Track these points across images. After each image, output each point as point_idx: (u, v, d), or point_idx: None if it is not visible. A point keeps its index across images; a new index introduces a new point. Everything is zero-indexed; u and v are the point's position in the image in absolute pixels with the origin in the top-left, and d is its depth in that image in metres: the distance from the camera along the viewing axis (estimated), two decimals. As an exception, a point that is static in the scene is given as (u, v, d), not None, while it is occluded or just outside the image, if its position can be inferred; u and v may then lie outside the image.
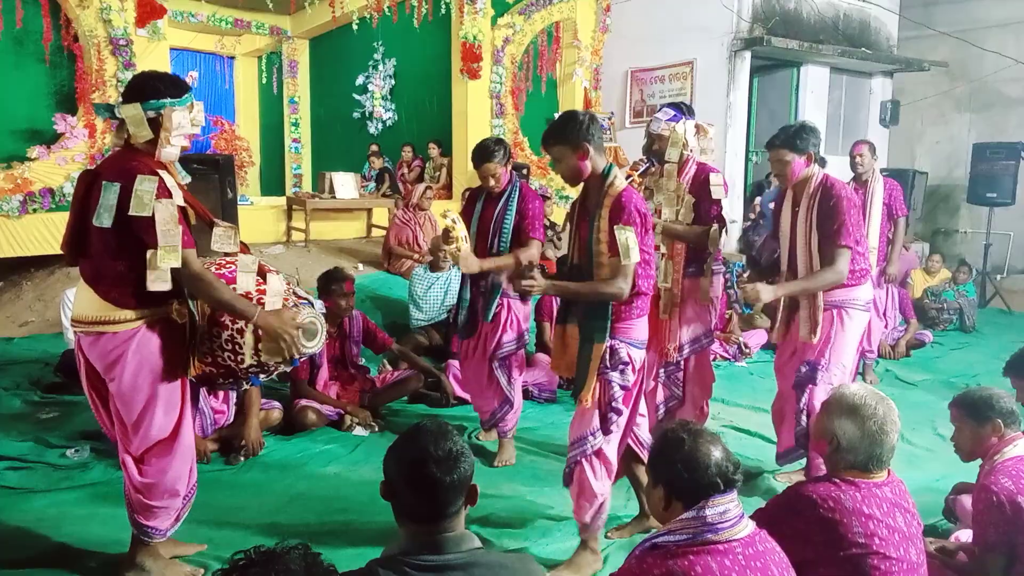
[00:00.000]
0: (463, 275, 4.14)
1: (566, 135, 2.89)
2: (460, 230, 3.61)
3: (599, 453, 2.95)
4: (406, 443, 1.73)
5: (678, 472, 1.84)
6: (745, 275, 3.70)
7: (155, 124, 2.62)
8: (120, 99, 2.70)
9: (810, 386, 3.53)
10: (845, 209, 3.44)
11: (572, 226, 3.14)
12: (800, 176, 3.57)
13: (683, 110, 3.90)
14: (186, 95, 2.67)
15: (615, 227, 2.80)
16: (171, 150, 2.67)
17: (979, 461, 2.83)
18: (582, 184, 3.03)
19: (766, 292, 3.43)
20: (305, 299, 2.94)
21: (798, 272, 3.60)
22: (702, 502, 1.80)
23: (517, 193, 4.08)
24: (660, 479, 1.90)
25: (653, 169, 3.89)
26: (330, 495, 3.72)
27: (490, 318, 4.07)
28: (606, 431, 2.94)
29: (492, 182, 4.05)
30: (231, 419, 4.29)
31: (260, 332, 2.72)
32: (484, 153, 4.04)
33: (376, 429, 4.63)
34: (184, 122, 2.65)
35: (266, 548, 1.41)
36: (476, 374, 4.28)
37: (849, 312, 3.58)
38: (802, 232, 3.56)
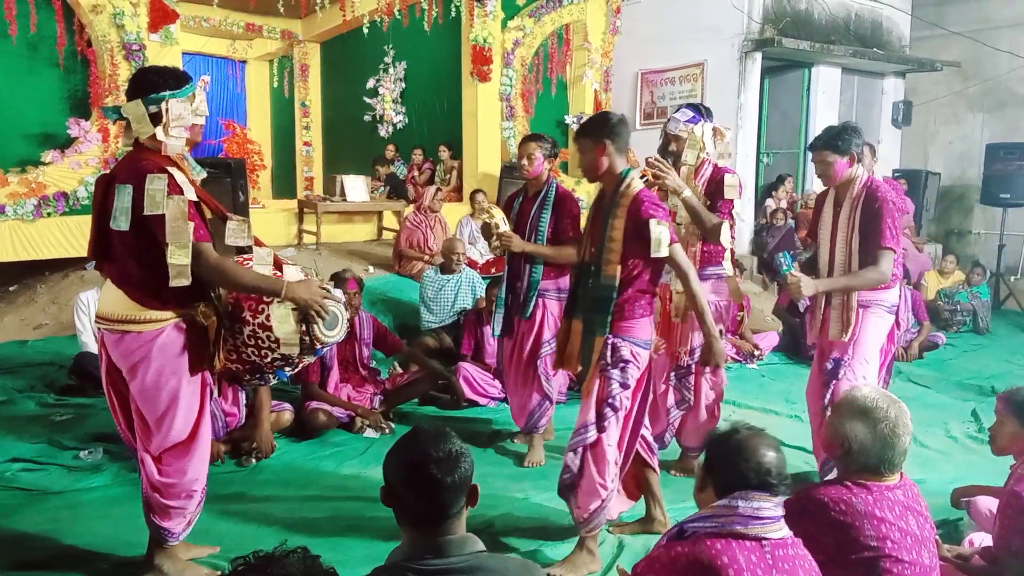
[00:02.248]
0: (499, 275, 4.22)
1: (591, 129, 3.05)
2: (497, 215, 3.79)
3: (597, 446, 2.96)
4: (405, 446, 1.73)
5: (723, 457, 1.87)
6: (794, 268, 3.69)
7: (157, 118, 2.63)
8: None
9: (833, 382, 3.53)
10: (889, 211, 3.45)
11: (587, 226, 3.19)
12: (843, 177, 3.56)
13: (701, 112, 3.88)
14: (186, 86, 2.68)
15: (651, 222, 2.85)
16: (174, 142, 2.68)
17: (990, 466, 2.81)
18: (598, 187, 3.09)
19: (809, 285, 3.44)
20: (324, 288, 2.95)
21: (834, 272, 3.61)
22: (737, 492, 1.81)
23: (553, 194, 4.15)
24: (708, 464, 1.94)
25: None
26: (341, 497, 3.73)
27: (528, 315, 4.13)
28: (600, 427, 2.95)
29: (525, 162, 4.15)
30: (242, 421, 4.31)
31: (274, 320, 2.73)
32: (533, 135, 4.30)
33: (387, 431, 4.64)
34: (184, 113, 2.66)
35: (265, 552, 1.41)
36: (517, 375, 4.31)
37: (875, 312, 3.58)
38: (843, 233, 3.57)
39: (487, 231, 3.93)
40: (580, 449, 2.97)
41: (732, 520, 1.79)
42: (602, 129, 3.00)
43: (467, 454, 1.72)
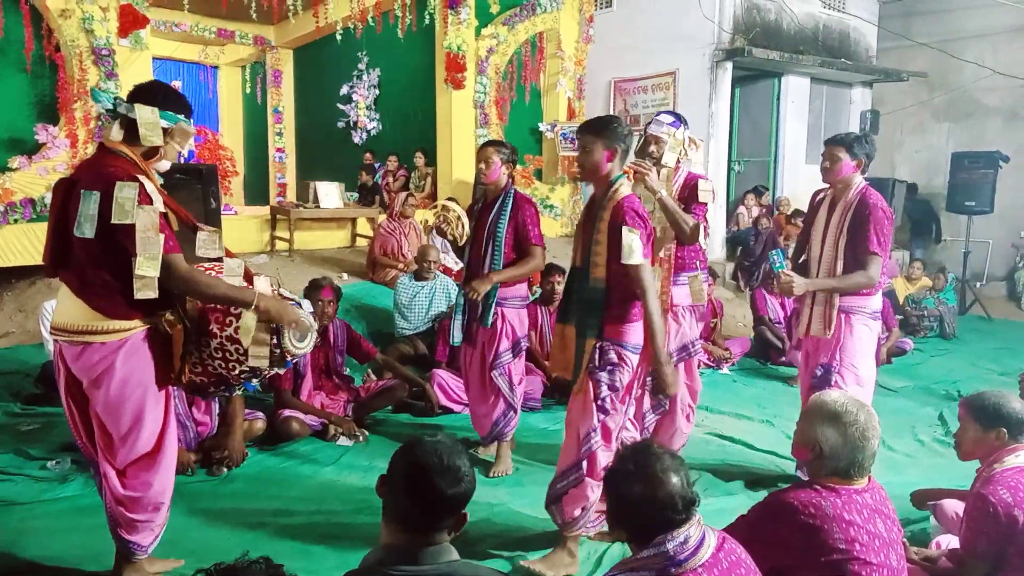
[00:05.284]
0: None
1: (604, 130, 3.03)
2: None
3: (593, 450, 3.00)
4: (420, 448, 1.73)
5: (628, 506, 1.83)
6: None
7: (164, 135, 2.64)
8: (121, 99, 2.65)
9: (827, 388, 3.60)
10: (880, 219, 3.62)
11: (578, 229, 3.23)
12: (843, 178, 3.74)
13: (681, 118, 3.96)
14: (190, 116, 2.74)
15: (623, 228, 2.88)
16: (167, 164, 2.71)
17: (956, 469, 2.85)
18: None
19: (800, 284, 3.58)
20: (293, 300, 2.93)
21: (820, 272, 3.77)
22: (657, 538, 1.78)
23: (511, 200, 4.14)
24: (614, 515, 1.89)
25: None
26: (313, 505, 3.70)
27: (488, 323, 4.11)
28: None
29: (483, 166, 4.15)
30: (214, 430, 4.26)
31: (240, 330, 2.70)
32: (492, 141, 4.29)
33: (360, 439, 4.60)
34: (190, 140, 2.72)
35: (227, 564, 1.39)
36: (477, 384, 4.28)
37: (858, 317, 3.72)
38: (832, 235, 3.74)
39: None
40: (586, 458, 2.98)
41: (667, 565, 1.76)
42: (615, 135, 3.00)
43: (472, 477, 1.73)
